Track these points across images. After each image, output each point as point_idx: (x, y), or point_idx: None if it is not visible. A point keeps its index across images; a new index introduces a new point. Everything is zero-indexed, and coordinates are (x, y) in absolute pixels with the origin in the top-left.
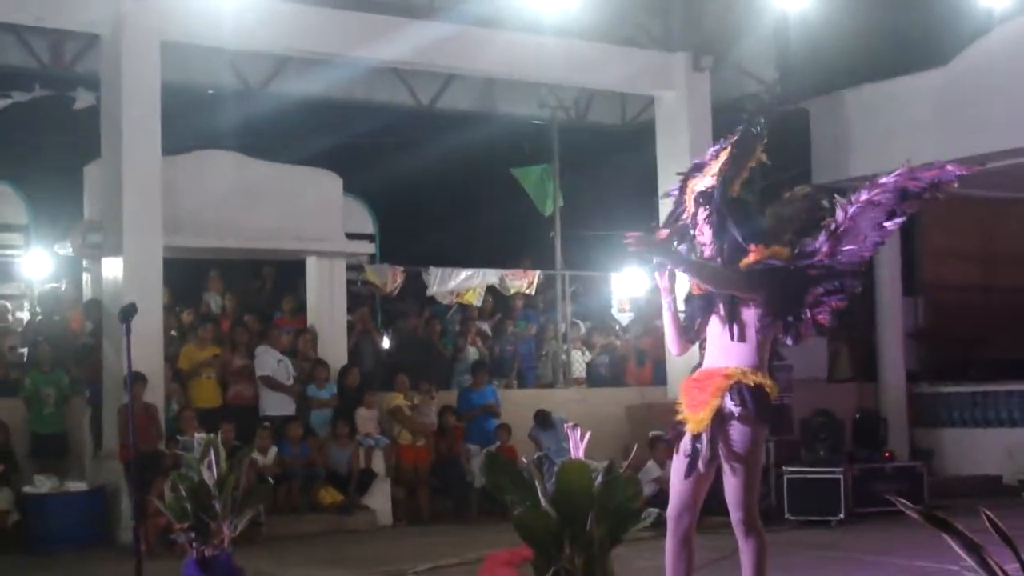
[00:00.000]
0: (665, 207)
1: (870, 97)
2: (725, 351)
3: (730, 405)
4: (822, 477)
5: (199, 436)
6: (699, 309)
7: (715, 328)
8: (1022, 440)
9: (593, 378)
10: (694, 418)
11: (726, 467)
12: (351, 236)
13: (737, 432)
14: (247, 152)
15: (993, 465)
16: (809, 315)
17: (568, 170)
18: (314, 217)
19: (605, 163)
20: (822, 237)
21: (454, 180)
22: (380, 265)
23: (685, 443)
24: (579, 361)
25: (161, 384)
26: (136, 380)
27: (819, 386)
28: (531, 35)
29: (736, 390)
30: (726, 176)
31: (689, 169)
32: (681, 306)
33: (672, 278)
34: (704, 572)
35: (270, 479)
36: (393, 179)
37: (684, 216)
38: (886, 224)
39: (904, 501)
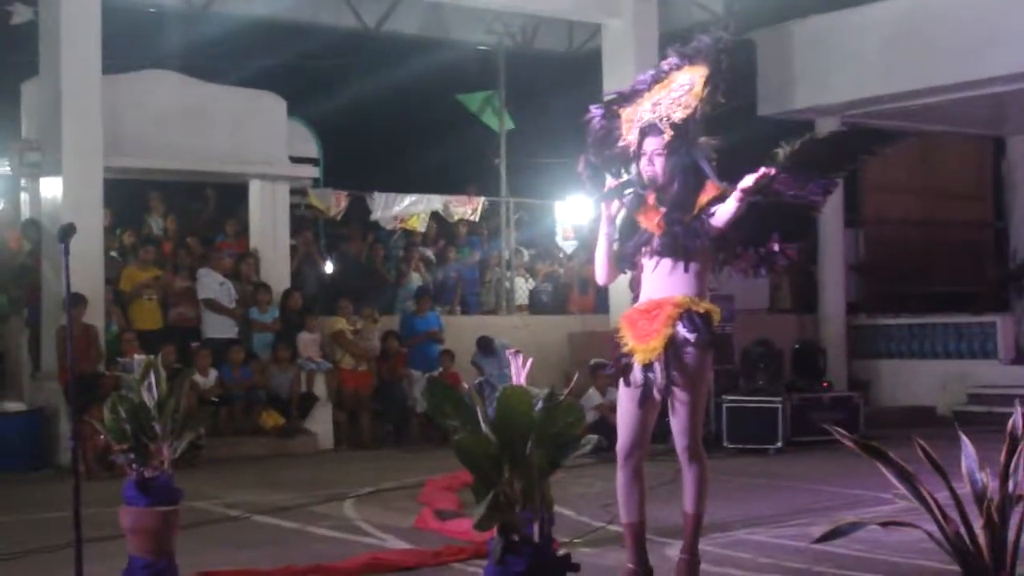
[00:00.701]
0: None
1: (817, 29)
2: (669, 281)
3: (684, 332)
4: (761, 406)
5: (139, 357)
6: (649, 242)
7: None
8: (956, 372)
9: (536, 305)
10: (644, 348)
11: (678, 394)
12: (295, 160)
13: (691, 359)
14: (190, 73)
15: (927, 396)
16: (779, 248)
17: (514, 98)
18: (257, 140)
19: (551, 91)
20: None
21: (400, 105)
22: (324, 189)
23: (636, 374)
24: (522, 288)
25: (101, 305)
26: (77, 302)
27: (760, 316)
28: None
29: (688, 317)
30: (703, 111)
31: (615, 97)
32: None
33: (619, 208)
34: (646, 498)
35: (214, 400)
36: (338, 103)
37: (620, 145)
38: (832, 174)
39: (840, 431)
